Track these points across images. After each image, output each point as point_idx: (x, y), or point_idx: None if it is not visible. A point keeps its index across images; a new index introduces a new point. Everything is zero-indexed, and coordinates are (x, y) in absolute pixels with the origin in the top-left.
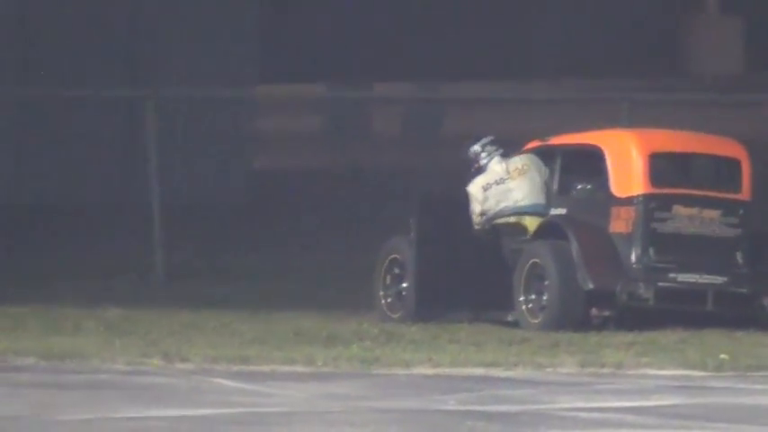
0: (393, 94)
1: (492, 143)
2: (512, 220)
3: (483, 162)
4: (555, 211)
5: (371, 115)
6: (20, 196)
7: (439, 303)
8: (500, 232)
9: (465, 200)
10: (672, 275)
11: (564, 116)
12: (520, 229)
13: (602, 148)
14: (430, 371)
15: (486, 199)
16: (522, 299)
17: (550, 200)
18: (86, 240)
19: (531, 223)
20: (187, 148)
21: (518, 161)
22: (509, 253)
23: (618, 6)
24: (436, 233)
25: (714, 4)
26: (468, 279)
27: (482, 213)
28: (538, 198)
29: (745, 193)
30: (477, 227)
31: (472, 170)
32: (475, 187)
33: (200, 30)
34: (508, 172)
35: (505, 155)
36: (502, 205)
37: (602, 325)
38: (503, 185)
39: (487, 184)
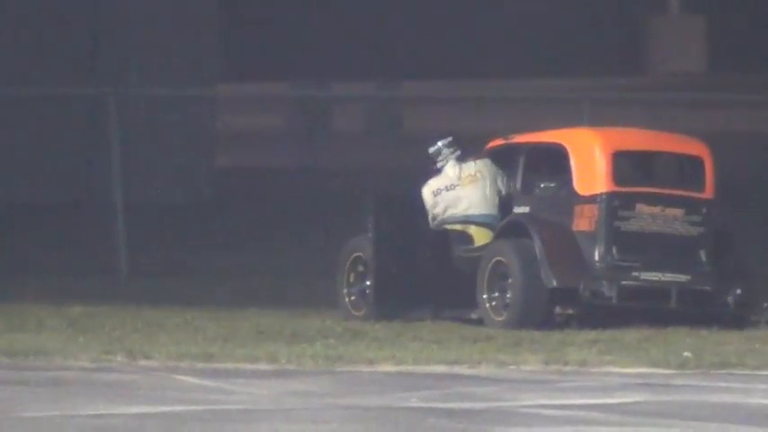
0: (354, 92)
1: (451, 144)
2: (458, 227)
3: (439, 164)
4: (518, 210)
5: (334, 113)
6: None
7: (399, 301)
8: (449, 237)
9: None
10: (635, 274)
11: (526, 115)
12: (466, 237)
13: (566, 146)
14: (393, 368)
15: (435, 204)
16: (485, 297)
17: (513, 199)
18: (50, 239)
19: (477, 233)
20: (150, 146)
21: (472, 167)
22: (456, 259)
23: (578, 4)
24: (395, 232)
25: (676, 3)
26: (429, 277)
27: (433, 218)
28: (487, 208)
29: (708, 192)
30: (431, 227)
31: (433, 169)
32: (427, 191)
33: (161, 27)
34: (460, 178)
35: (462, 158)
36: (450, 212)
37: (566, 323)
38: (453, 192)
39: (438, 189)
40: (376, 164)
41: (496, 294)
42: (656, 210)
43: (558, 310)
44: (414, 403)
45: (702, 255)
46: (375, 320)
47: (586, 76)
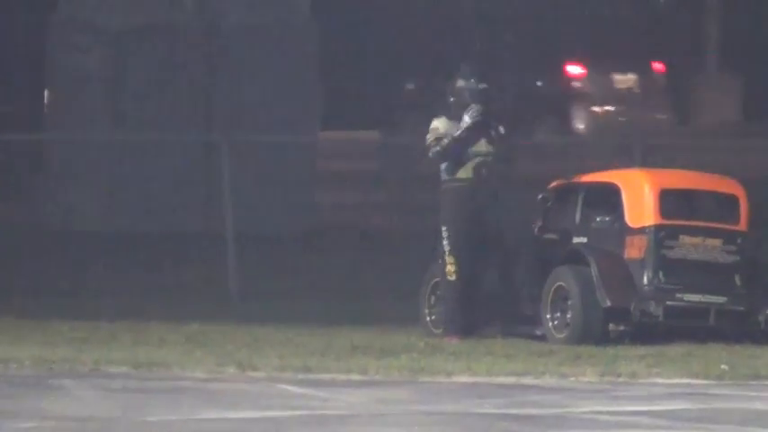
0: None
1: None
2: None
3: (463, 117)
4: (577, 240)
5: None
6: (112, 226)
7: (468, 321)
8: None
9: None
10: (679, 295)
11: (585, 157)
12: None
13: (619, 184)
14: (468, 379)
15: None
16: (548, 316)
17: (573, 231)
18: (170, 265)
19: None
20: (257, 184)
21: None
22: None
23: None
24: (465, 258)
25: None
26: (495, 299)
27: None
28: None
29: (742, 225)
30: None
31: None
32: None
33: (268, 81)
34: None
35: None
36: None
37: (619, 339)
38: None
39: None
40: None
41: (558, 315)
42: (698, 240)
43: (611, 327)
44: (486, 409)
45: (738, 279)
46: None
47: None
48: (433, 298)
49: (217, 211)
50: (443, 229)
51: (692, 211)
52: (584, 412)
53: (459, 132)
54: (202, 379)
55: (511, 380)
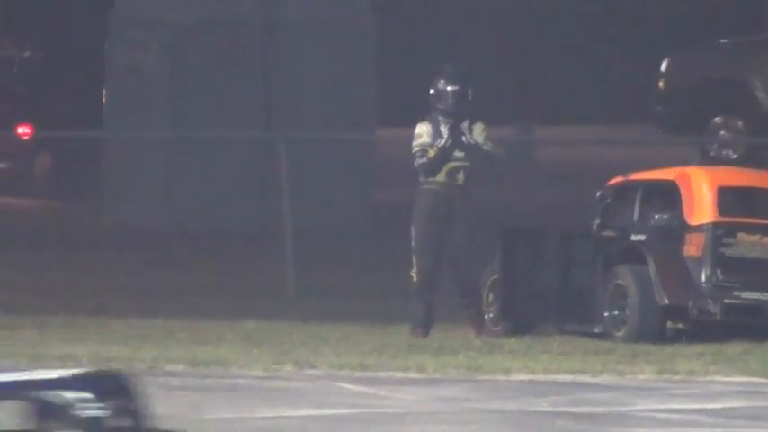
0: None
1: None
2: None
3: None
4: (635, 238)
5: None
6: (171, 223)
7: (524, 318)
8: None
9: (546, 229)
10: (737, 293)
11: (644, 156)
12: None
13: (677, 182)
14: (526, 377)
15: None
16: (606, 314)
17: (630, 229)
18: (228, 262)
19: None
20: (315, 182)
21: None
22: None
23: None
24: (521, 257)
25: None
26: (552, 297)
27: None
28: None
29: None
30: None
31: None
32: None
33: (325, 79)
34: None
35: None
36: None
37: (676, 337)
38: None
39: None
40: (505, 200)
41: (616, 312)
42: (755, 238)
43: (669, 325)
44: (543, 407)
45: None
46: (510, 335)
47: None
48: (491, 296)
49: (275, 209)
50: (412, 228)
51: (749, 208)
52: (642, 410)
53: (442, 144)
54: (260, 377)
55: (568, 378)
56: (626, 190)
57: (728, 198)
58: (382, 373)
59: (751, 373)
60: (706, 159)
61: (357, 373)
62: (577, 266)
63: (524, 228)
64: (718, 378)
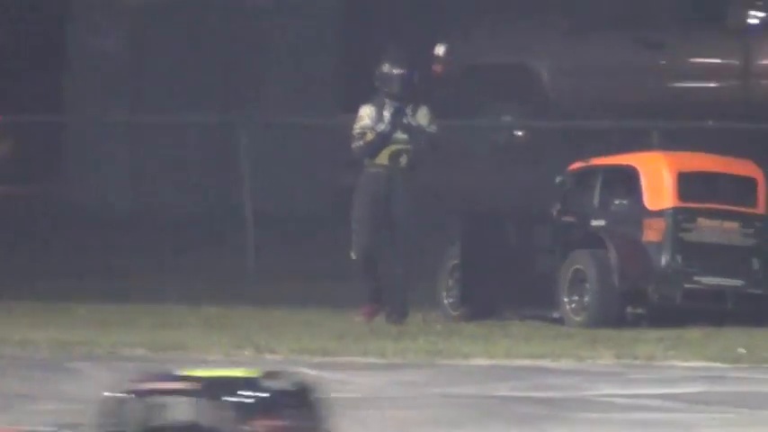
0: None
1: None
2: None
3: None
4: (595, 223)
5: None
6: (133, 208)
7: (483, 303)
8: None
9: (504, 212)
10: (696, 278)
11: (604, 142)
12: None
13: (637, 167)
14: (485, 362)
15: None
16: (566, 299)
17: (590, 214)
18: (189, 247)
19: None
20: (277, 166)
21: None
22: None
23: None
24: (480, 242)
25: None
26: (512, 282)
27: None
28: None
29: (760, 208)
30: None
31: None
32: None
33: (286, 63)
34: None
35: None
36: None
37: (636, 322)
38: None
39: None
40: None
41: (575, 298)
42: (716, 223)
43: (629, 310)
44: (503, 392)
45: (755, 263)
46: (470, 320)
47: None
48: (450, 281)
49: (235, 193)
50: (353, 210)
51: (710, 193)
52: (601, 395)
53: (381, 129)
54: (220, 361)
55: (528, 363)
56: (586, 175)
57: (688, 183)
58: (342, 358)
59: (710, 358)
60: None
61: (317, 358)
62: (537, 251)
63: (484, 212)
64: (677, 363)
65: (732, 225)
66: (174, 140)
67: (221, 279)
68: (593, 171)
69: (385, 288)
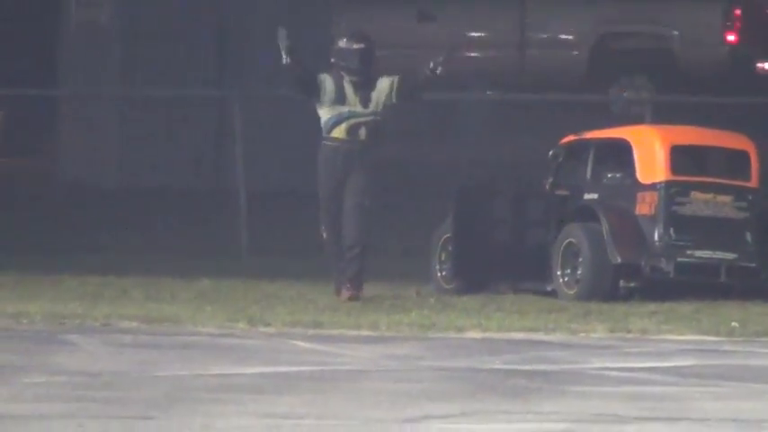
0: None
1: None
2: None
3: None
4: (588, 197)
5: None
6: (124, 182)
7: (476, 276)
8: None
9: (499, 187)
10: (689, 252)
11: (596, 115)
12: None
13: (630, 141)
14: (479, 335)
15: None
16: (559, 273)
17: (584, 187)
18: (182, 221)
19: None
20: (270, 140)
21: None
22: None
23: None
24: (473, 216)
25: None
26: (506, 254)
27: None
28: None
29: (753, 181)
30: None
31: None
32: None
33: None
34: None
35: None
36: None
37: (629, 296)
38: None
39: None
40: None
41: (569, 271)
42: (709, 196)
43: (622, 283)
44: (496, 365)
45: (748, 236)
46: (463, 293)
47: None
48: (443, 254)
49: (228, 168)
50: (318, 187)
51: (702, 167)
52: (594, 368)
53: (342, 111)
54: (213, 334)
55: (521, 336)
56: (579, 148)
57: (681, 156)
58: (335, 331)
59: (703, 331)
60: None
61: (310, 331)
62: (530, 225)
63: (477, 186)
64: (670, 337)
65: (725, 198)
66: (168, 115)
67: (214, 253)
68: (585, 144)
69: (343, 262)
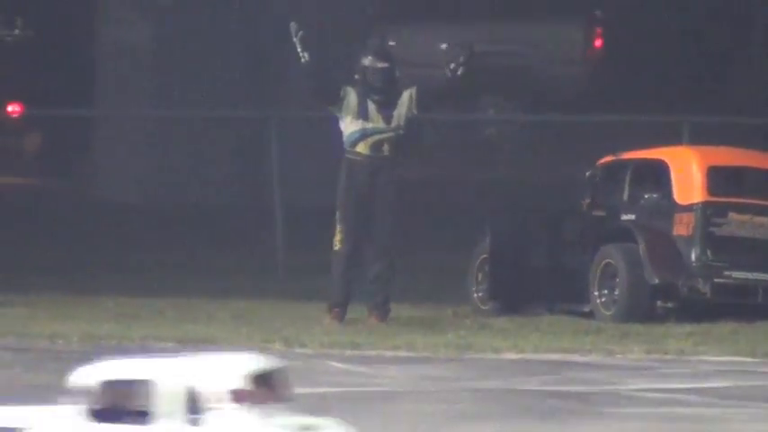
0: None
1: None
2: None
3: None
4: (625, 217)
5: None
6: (161, 202)
7: (513, 297)
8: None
9: (536, 208)
10: (726, 273)
11: (633, 135)
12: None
13: (667, 161)
14: (515, 356)
15: None
16: (596, 293)
17: (621, 208)
18: (218, 240)
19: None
20: (305, 159)
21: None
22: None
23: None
24: (510, 236)
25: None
26: (542, 276)
27: None
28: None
29: None
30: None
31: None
32: None
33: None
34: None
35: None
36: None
37: (666, 316)
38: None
39: None
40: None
41: (606, 292)
42: (746, 217)
43: (659, 304)
44: (533, 386)
45: None
46: (499, 314)
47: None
48: (480, 275)
49: (265, 187)
50: (337, 199)
51: (739, 188)
52: (632, 390)
53: (363, 125)
54: None
55: (558, 357)
56: (616, 169)
57: (719, 177)
58: (372, 352)
59: (740, 352)
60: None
61: (347, 352)
62: (567, 246)
63: (514, 206)
64: (707, 358)
65: (762, 219)
66: (203, 135)
67: (250, 273)
68: (623, 165)
69: (367, 285)
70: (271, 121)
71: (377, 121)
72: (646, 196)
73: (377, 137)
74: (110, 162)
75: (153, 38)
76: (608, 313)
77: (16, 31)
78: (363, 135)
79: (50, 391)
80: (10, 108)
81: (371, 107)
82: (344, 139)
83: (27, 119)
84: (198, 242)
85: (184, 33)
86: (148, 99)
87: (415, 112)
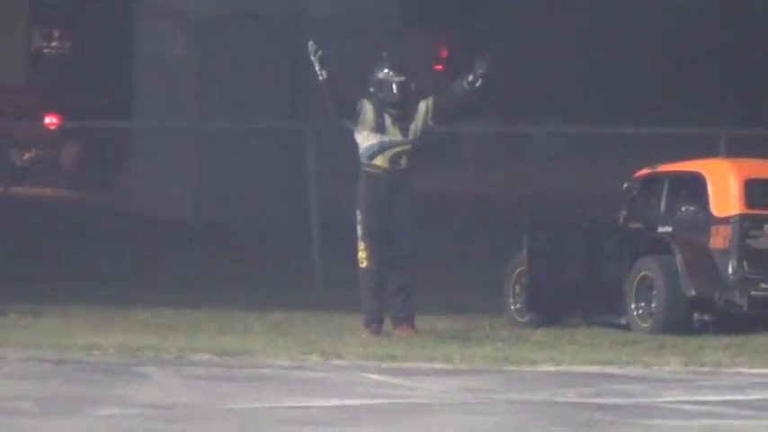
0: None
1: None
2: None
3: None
4: (662, 229)
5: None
6: (197, 214)
7: (550, 309)
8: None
9: (571, 219)
10: (763, 285)
11: (670, 148)
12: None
13: (704, 174)
14: (552, 368)
15: None
16: (633, 306)
17: (658, 220)
18: (255, 253)
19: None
20: (342, 172)
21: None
22: None
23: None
24: (547, 248)
25: None
26: (578, 288)
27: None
28: None
29: None
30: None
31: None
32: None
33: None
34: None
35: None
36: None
37: (703, 329)
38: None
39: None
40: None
41: (642, 304)
42: None
43: (696, 317)
44: (570, 398)
45: None
46: (536, 326)
47: (723, 113)
48: (517, 287)
49: (301, 200)
50: (357, 213)
51: None
52: (669, 402)
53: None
54: (286, 367)
55: (595, 369)
56: (653, 182)
57: (755, 190)
58: (409, 364)
59: None
60: (732, 151)
61: (384, 364)
62: (604, 258)
63: (551, 218)
64: (744, 370)
65: None
66: (241, 147)
67: (287, 285)
68: (659, 178)
69: (390, 297)
70: (307, 134)
71: (394, 134)
72: (682, 209)
73: (395, 149)
74: (147, 175)
75: (191, 51)
76: (645, 325)
77: (54, 44)
78: (382, 148)
79: (87, 403)
80: (47, 120)
81: (388, 120)
82: (361, 152)
83: (64, 131)
84: (235, 254)
85: (222, 47)
86: (185, 112)
87: (431, 122)
